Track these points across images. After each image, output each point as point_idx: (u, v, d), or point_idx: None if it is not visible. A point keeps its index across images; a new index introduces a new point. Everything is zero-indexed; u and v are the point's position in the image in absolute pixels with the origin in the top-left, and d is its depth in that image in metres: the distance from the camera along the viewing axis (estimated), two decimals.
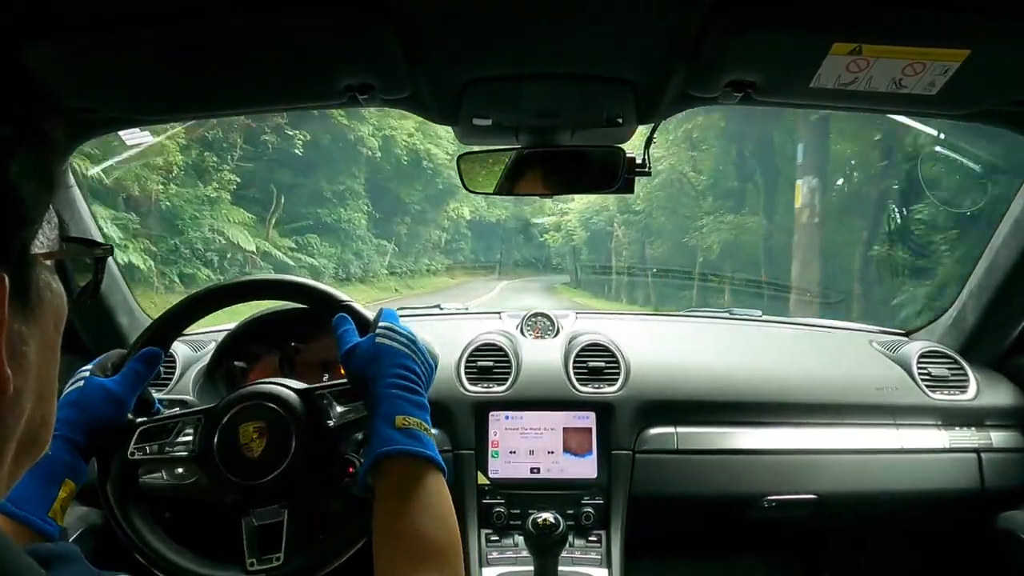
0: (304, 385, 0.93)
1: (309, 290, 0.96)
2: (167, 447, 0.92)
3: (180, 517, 1.03)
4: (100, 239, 1.35)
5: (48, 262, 0.43)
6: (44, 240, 0.42)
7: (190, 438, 0.92)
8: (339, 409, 0.91)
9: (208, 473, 0.89)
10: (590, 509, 1.29)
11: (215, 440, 0.89)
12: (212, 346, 1.40)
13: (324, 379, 1.40)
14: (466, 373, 1.40)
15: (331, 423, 0.90)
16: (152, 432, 0.91)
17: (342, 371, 1.41)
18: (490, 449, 1.33)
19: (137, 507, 0.90)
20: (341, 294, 0.95)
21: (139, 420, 0.91)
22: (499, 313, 1.70)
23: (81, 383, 0.85)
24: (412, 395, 0.79)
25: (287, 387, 0.91)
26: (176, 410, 0.97)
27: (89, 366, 0.88)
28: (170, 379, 1.37)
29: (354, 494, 0.90)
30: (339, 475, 0.94)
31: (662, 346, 1.58)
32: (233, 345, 1.36)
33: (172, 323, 0.97)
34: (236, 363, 1.34)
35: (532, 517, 1.08)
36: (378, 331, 0.84)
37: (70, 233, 0.47)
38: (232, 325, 1.40)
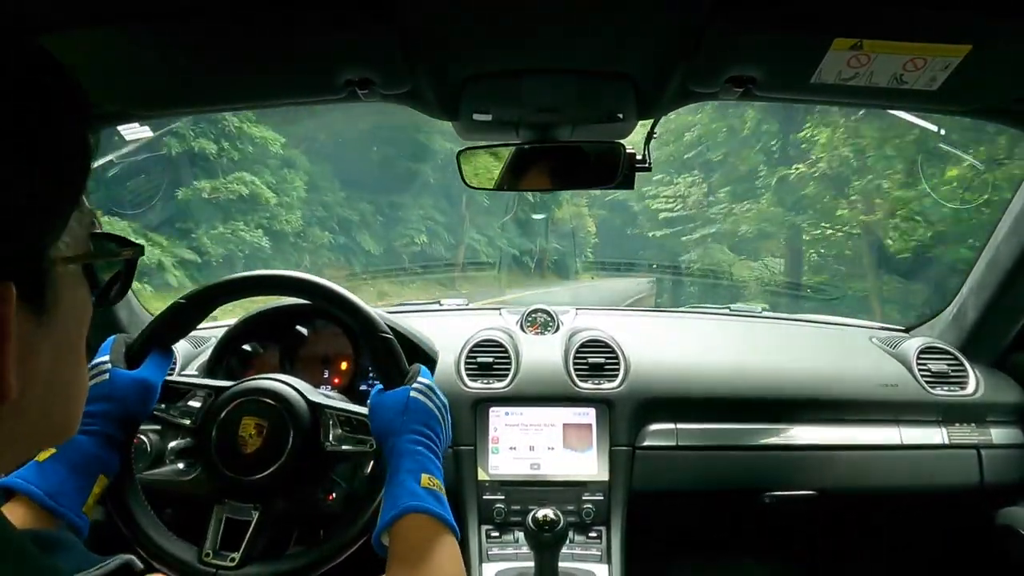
0: (318, 397, 0.93)
1: (355, 309, 0.93)
2: (172, 411, 0.93)
3: (180, 514, 1.03)
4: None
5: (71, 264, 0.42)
6: (71, 240, 0.41)
7: (197, 406, 0.94)
8: (339, 432, 0.91)
9: (200, 449, 0.91)
10: (590, 505, 1.29)
11: (217, 420, 0.90)
12: (213, 341, 1.40)
13: (325, 375, 1.41)
14: (466, 369, 1.40)
15: (327, 445, 0.90)
16: (165, 392, 0.92)
17: (343, 367, 1.42)
18: (490, 445, 1.34)
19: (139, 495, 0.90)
20: (383, 323, 0.92)
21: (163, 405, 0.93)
22: (499, 309, 1.71)
23: (106, 376, 0.84)
24: (435, 457, 0.80)
25: (300, 393, 0.91)
26: (196, 377, 0.97)
27: (104, 357, 0.86)
28: (170, 375, 1.37)
29: (325, 515, 0.92)
30: (318, 498, 0.94)
31: (662, 342, 1.58)
32: (234, 340, 1.36)
33: (200, 304, 0.95)
34: (245, 347, 1.35)
35: (532, 513, 1.08)
36: (415, 386, 0.85)
37: (100, 229, 0.46)
38: (232, 321, 1.41)
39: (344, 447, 0.90)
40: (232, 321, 1.41)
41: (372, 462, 0.91)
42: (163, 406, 0.94)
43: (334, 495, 0.95)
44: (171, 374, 0.95)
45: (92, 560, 0.45)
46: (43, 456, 0.76)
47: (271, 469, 0.87)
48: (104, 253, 0.46)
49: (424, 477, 0.76)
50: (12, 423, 0.39)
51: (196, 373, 1.02)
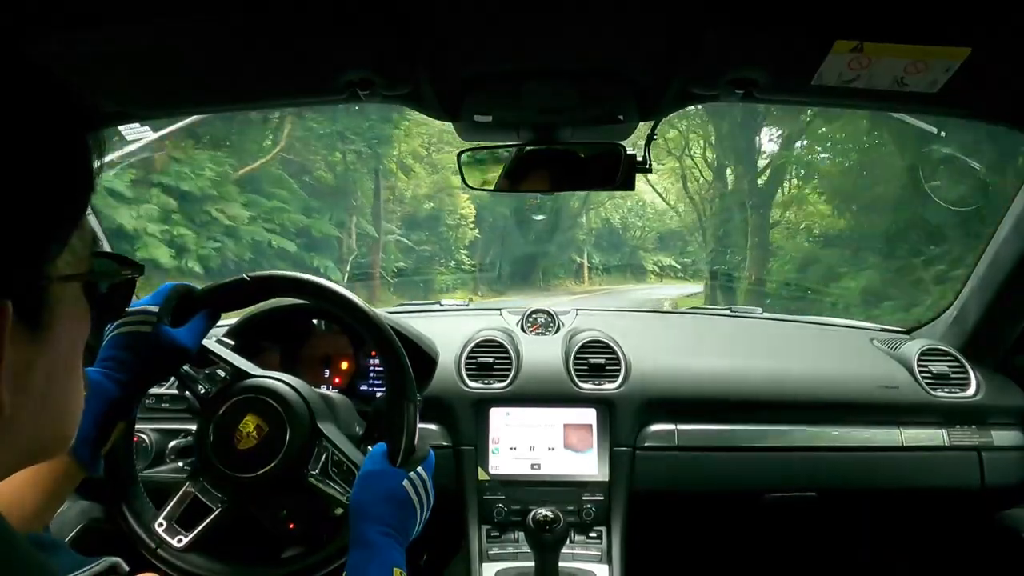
0: (326, 425, 0.92)
1: (400, 366, 0.90)
2: (196, 373, 0.95)
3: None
4: (106, 248, 1.34)
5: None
6: (71, 258, 0.41)
7: (221, 375, 0.95)
8: (327, 470, 0.90)
9: (198, 427, 0.91)
10: (591, 505, 1.29)
11: (225, 406, 0.90)
12: (215, 338, 1.40)
13: (326, 374, 1.41)
14: (467, 369, 1.40)
15: (310, 475, 0.89)
16: (197, 357, 0.93)
17: (344, 366, 1.43)
18: (491, 445, 1.34)
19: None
20: (415, 391, 0.90)
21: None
22: (500, 310, 1.71)
23: (149, 328, 0.83)
24: (401, 547, 0.79)
25: (310, 414, 0.91)
26: (231, 353, 0.97)
27: (154, 306, 0.85)
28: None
29: (280, 538, 0.92)
30: (280, 520, 0.93)
31: (663, 343, 1.58)
32: (237, 337, 1.36)
33: (255, 287, 0.94)
34: (248, 345, 1.35)
35: (533, 513, 1.08)
36: (412, 476, 0.83)
37: (103, 248, 0.46)
38: (234, 320, 1.41)
39: (324, 486, 0.89)
40: (234, 320, 1.41)
41: (341, 510, 0.89)
42: (190, 369, 0.95)
43: (295, 524, 0.94)
44: (165, 381, 0.95)
45: (80, 561, 0.46)
46: None
47: (254, 474, 0.87)
48: (104, 273, 0.46)
49: (396, 571, 0.75)
50: (5, 438, 0.40)
51: (232, 344, 1.03)
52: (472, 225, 15.74)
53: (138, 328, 0.83)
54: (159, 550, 0.86)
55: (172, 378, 0.93)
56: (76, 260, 0.42)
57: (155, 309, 0.85)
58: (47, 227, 0.38)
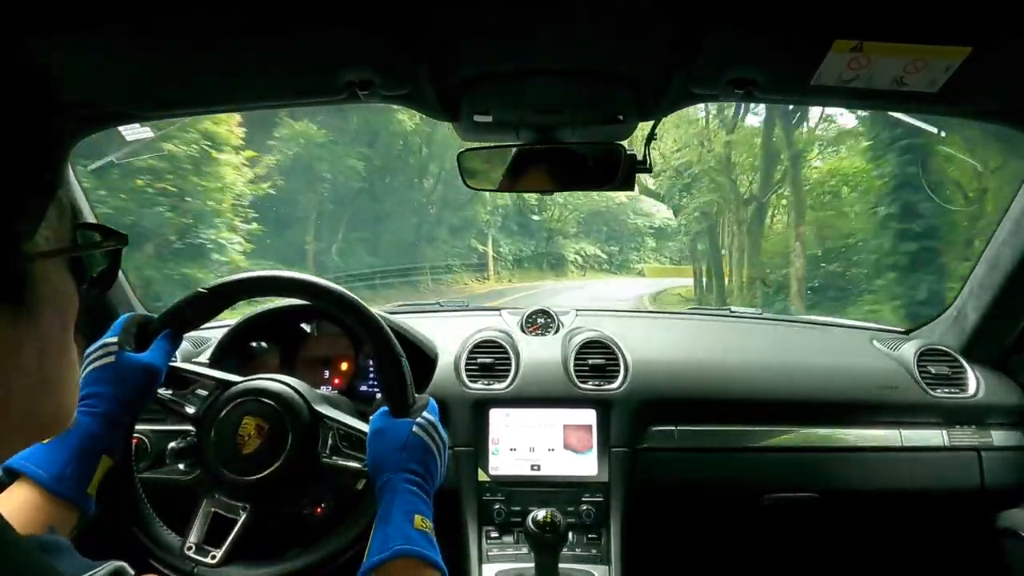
0: (322, 407, 0.92)
1: (377, 328, 0.90)
2: (178, 396, 0.94)
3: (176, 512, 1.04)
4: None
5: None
6: (50, 234, 0.41)
7: (204, 394, 0.94)
8: (336, 446, 0.91)
9: (198, 444, 0.91)
10: (590, 506, 1.29)
11: (220, 415, 0.89)
12: (213, 341, 1.40)
13: (325, 375, 1.41)
14: (467, 370, 1.40)
15: (323, 457, 0.89)
16: (172, 379, 0.92)
17: (343, 367, 1.42)
18: (490, 446, 1.33)
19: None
20: (399, 347, 0.90)
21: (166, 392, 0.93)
22: (499, 310, 1.71)
23: (112, 358, 0.83)
24: (426, 495, 0.80)
25: (304, 400, 0.91)
26: (205, 367, 0.97)
27: (112, 338, 0.86)
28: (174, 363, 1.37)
29: (310, 526, 0.92)
30: (305, 508, 0.94)
31: (662, 344, 1.58)
32: (235, 339, 1.36)
33: (213, 298, 0.93)
34: (246, 346, 1.35)
35: (532, 514, 1.08)
36: (419, 421, 0.83)
37: (84, 219, 0.45)
38: (233, 321, 1.40)
39: (339, 461, 0.90)
40: (233, 320, 1.41)
41: (364, 480, 0.90)
42: (168, 392, 0.94)
43: (322, 507, 0.94)
44: (174, 362, 0.95)
45: (85, 565, 0.45)
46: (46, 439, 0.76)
47: (266, 472, 0.87)
48: (86, 245, 0.46)
49: (417, 519, 0.76)
50: (1, 419, 0.40)
51: (206, 362, 1.02)
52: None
53: (102, 361, 0.83)
54: (196, 570, 0.85)
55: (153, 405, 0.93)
56: (55, 235, 0.41)
57: (115, 339, 0.85)
58: (16, 203, 0.37)
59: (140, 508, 0.89)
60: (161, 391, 0.93)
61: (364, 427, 0.89)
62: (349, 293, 0.92)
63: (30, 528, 0.70)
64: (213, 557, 0.86)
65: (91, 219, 1.33)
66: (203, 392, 0.96)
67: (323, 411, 0.91)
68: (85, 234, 0.46)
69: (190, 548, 0.87)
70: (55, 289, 0.43)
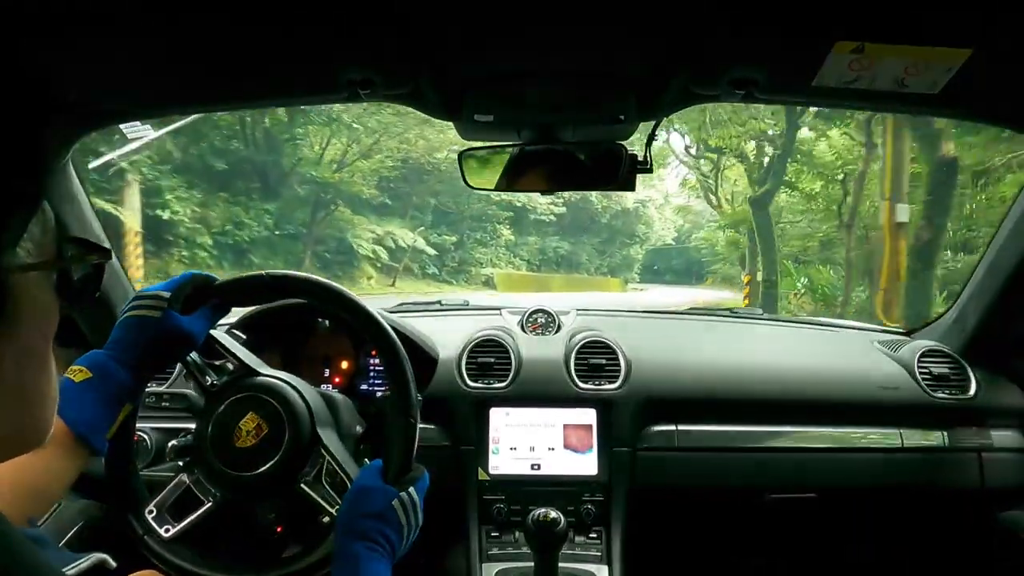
0: (326, 434, 0.91)
1: (405, 385, 0.86)
2: (204, 362, 0.95)
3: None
4: (103, 237, 1.33)
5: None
6: (32, 247, 0.40)
7: (230, 368, 0.95)
8: (318, 474, 0.89)
9: (199, 419, 0.91)
10: (590, 506, 1.29)
11: (228, 401, 0.90)
12: (225, 330, 1.40)
13: (326, 374, 1.41)
14: (467, 369, 1.40)
15: (302, 481, 0.88)
16: (204, 347, 0.93)
17: (344, 366, 1.42)
18: (491, 445, 1.34)
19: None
20: (417, 408, 0.87)
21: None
22: (499, 309, 1.71)
23: (159, 314, 0.83)
24: (389, 563, 0.78)
25: (311, 420, 0.91)
26: (239, 347, 0.97)
27: (164, 292, 0.85)
28: (171, 372, 1.37)
29: (266, 542, 0.93)
30: (268, 523, 0.94)
31: (663, 344, 1.58)
32: (246, 333, 1.36)
33: (277, 287, 0.92)
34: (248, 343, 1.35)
35: (532, 513, 1.08)
36: (403, 495, 0.80)
37: (71, 233, 0.45)
38: (234, 319, 1.40)
39: (313, 495, 0.88)
40: (234, 319, 1.41)
41: (330, 520, 0.88)
42: (198, 357, 0.95)
43: (282, 527, 0.93)
44: (164, 380, 0.95)
45: (67, 558, 0.46)
46: (79, 377, 0.77)
47: (246, 473, 0.87)
48: (68, 259, 0.46)
49: None
50: None
51: (244, 337, 1.02)
52: None
53: (147, 312, 0.83)
54: (146, 537, 0.86)
55: (176, 368, 0.93)
56: (38, 249, 0.41)
57: (167, 295, 0.85)
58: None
59: (129, 457, 0.90)
60: (192, 357, 0.94)
61: (354, 470, 0.89)
62: (399, 344, 0.88)
63: (47, 464, 0.71)
64: (167, 531, 0.87)
65: (92, 220, 1.33)
66: (230, 365, 0.96)
67: (323, 437, 0.90)
68: (68, 248, 0.45)
69: (151, 512, 0.87)
70: (36, 302, 0.42)
